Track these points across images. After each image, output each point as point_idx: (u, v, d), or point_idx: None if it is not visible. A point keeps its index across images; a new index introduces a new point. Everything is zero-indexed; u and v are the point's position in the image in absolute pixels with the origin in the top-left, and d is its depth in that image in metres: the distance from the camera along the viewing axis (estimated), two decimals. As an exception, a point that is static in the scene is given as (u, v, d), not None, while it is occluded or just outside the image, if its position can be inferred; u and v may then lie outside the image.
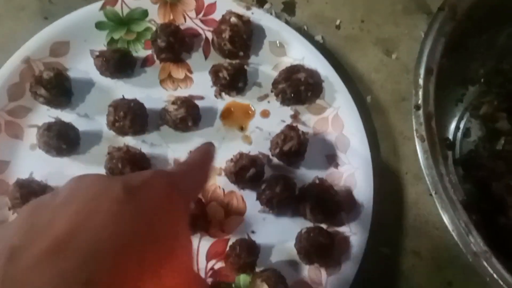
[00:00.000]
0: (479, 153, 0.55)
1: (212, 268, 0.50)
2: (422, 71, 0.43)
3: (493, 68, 0.58)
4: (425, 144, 0.40)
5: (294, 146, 0.50)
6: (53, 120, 0.50)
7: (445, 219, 0.39)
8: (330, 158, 0.54)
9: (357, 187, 0.52)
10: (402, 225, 0.53)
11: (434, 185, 0.39)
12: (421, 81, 0.42)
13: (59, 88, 0.51)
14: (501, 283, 0.37)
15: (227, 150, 0.53)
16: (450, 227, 0.38)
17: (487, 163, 0.54)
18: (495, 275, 0.37)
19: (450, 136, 0.57)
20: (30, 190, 0.47)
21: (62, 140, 0.49)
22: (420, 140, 0.40)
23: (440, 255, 0.53)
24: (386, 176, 0.55)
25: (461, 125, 0.57)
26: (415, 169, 0.55)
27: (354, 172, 0.52)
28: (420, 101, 0.41)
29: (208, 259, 0.50)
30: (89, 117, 0.53)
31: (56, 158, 0.51)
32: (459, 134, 0.57)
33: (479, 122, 0.58)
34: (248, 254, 0.48)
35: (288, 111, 0.55)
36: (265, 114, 0.55)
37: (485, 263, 0.37)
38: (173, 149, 0.53)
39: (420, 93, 0.42)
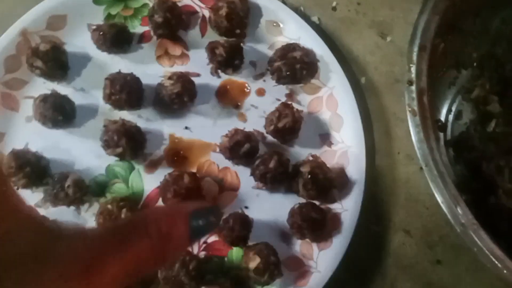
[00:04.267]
0: (471, 135, 0.56)
1: (205, 242, 0.51)
2: (415, 48, 0.43)
3: (486, 52, 0.59)
4: (416, 119, 0.41)
5: (289, 123, 0.51)
6: (49, 92, 0.50)
7: (435, 191, 0.39)
8: (324, 137, 0.55)
9: (349, 165, 0.53)
10: (393, 203, 0.54)
11: (424, 158, 0.40)
12: (414, 57, 0.43)
13: (56, 61, 0.51)
14: (489, 254, 0.38)
15: (222, 127, 0.53)
16: (439, 199, 0.39)
17: (478, 145, 0.55)
18: (482, 246, 0.38)
19: (442, 118, 0.57)
20: (25, 160, 0.47)
21: (58, 111, 0.49)
22: (412, 114, 0.41)
23: (430, 233, 0.54)
24: (379, 155, 0.55)
25: (453, 108, 0.58)
26: (407, 150, 0.56)
27: (347, 151, 0.53)
28: (413, 76, 0.42)
29: (201, 233, 0.51)
30: (85, 91, 0.54)
31: (51, 131, 0.51)
32: (451, 116, 0.58)
33: (471, 104, 0.58)
34: (241, 228, 0.48)
35: (283, 90, 0.56)
36: (260, 92, 0.56)
37: (473, 235, 0.38)
38: (168, 124, 0.54)
39: (413, 68, 0.42)
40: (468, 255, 0.53)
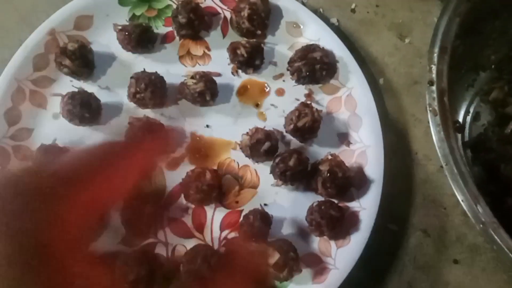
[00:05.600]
0: (488, 136, 0.56)
1: (225, 238, 0.52)
2: (436, 49, 0.44)
3: (505, 55, 0.59)
4: (437, 118, 0.42)
5: (308, 123, 0.52)
6: (76, 90, 0.52)
7: (455, 189, 0.40)
8: (342, 137, 0.55)
9: (368, 165, 0.53)
10: (411, 203, 0.55)
11: (445, 157, 0.41)
12: (435, 58, 0.43)
13: (83, 60, 0.52)
14: (508, 252, 0.38)
15: (243, 126, 0.54)
16: (460, 197, 0.39)
17: (496, 147, 0.55)
18: (502, 245, 0.38)
19: (460, 120, 0.58)
20: (53, 155, 0.49)
21: (85, 108, 0.50)
22: (433, 114, 0.42)
23: (447, 233, 0.54)
24: (397, 155, 0.56)
25: (471, 109, 0.59)
26: (425, 150, 0.56)
27: (365, 150, 0.54)
28: (434, 77, 0.42)
29: (222, 229, 0.52)
30: (110, 89, 0.55)
31: (78, 128, 0.53)
32: (469, 117, 0.58)
33: (489, 106, 0.59)
34: (261, 224, 0.49)
35: (302, 90, 0.57)
36: (280, 92, 0.57)
37: (493, 233, 0.38)
38: (190, 122, 0.55)
39: (434, 69, 0.43)
40: (485, 256, 0.53)
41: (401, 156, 0.56)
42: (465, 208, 0.39)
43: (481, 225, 0.39)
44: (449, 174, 0.40)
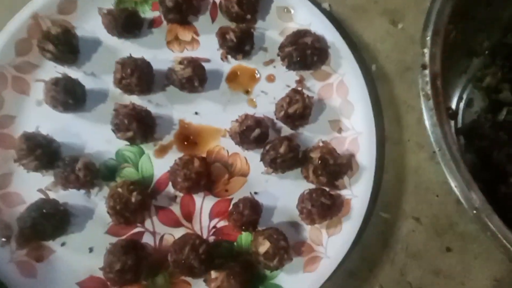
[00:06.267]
0: (481, 123, 0.56)
1: (214, 227, 0.51)
2: (429, 32, 0.43)
3: (498, 41, 0.59)
4: (430, 103, 0.41)
5: (299, 109, 0.51)
6: (60, 76, 0.50)
7: (448, 175, 0.39)
8: (334, 123, 0.54)
9: (359, 152, 0.52)
10: (403, 191, 0.54)
11: (438, 142, 0.40)
12: (428, 41, 0.42)
13: (67, 45, 0.51)
14: (502, 238, 0.38)
15: (232, 113, 0.53)
16: (453, 183, 0.39)
17: (489, 133, 0.55)
18: (496, 231, 0.37)
19: (453, 106, 0.57)
20: (36, 143, 0.48)
21: (69, 95, 0.49)
22: (426, 98, 0.41)
23: (439, 221, 0.53)
24: (388, 143, 0.55)
25: (464, 96, 0.58)
26: (417, 137, 0.55)
27: (357, 137, 0.53)
28: (426, 60, 0.41)
29: (211, 217, 0.51)
30: (95, 76, 0.54)
31: (62, 115, 0.52)
32: (462, 104, 0.58)
33: (482, 93, 0.58)
34: (251, 212, 0.48)
35: (293, 76, 0.56)
36: (270, 78, 0.56)
37: (486, 219, 0.38)
38: (178, 109, 0.54)
39: (427, 52, 0.42)
40: (478, 243, 0.53)
41: (393, 143, 0.55)
42: (458, 194, 0.39)
43: (474, 211, 0.38)
44: (442, 160, 0.39)
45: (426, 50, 0.42)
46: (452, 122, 0.56)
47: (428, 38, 0.43)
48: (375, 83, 0.57)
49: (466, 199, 0.39)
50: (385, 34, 0.59)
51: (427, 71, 0.42)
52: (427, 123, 0.41)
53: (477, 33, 0.58)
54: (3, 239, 0.48)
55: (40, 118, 0.52)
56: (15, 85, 0.52)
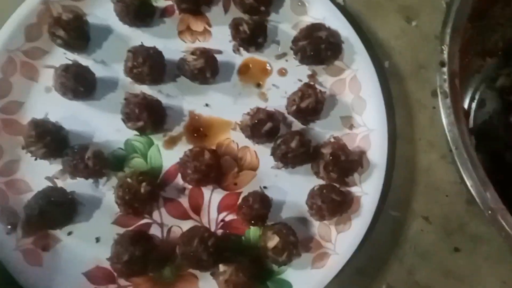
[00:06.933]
0: (493, 124, 0.55)
1: (223, 220, 0.50)
2: (449, 30, 0.42)
3: (513, 42, 0.58)
4: (447, 101, 0.40)
5: (311, 104, 0.50)
6: (70, 62, 0.49)
7: (464, 174, 0.39)
8: (345, 120, 0.54)
9: (371, 149, 0.52)
10: (413, 190, 0.54)
11: (455, 141, 0.39)
12: (447, 39, 0.42)
13: (78, 31, 0.50)
14: (516, 239, 0.37)
15: (243, 105, 0.52)
16: (468, 182, 0.38)
17: (501, 134, 0.54)
18: (510, 231, 0.37)
19: (465, 106, 0.57)
20: (45, 129, 0.47)
21: (80, 82, 0.48)
22: (444, 96, 0.40)
23: (449, 221, 0.53)
24: (400, 141, 0.55)
25: (477, 96, 0.57)
26: (429, 136, 0.55)
27: (368, 134, 0.52)
28: (445, 58, 0.41)
29: (219, 211, 0.51)
30: (105, 64, 0.53)
31: (71, 102, 0.51)
32: (474, 104, 0.57)
33: (495, 94, 0.58)
34: (260, 206, 0.48)
35: (305, 70, 0.55)
36: (282, 72, 0.55)
37: (501, 220, 0.37)
38: (188, 101, 0.53)
39: (446, 50, 0.41)
40: (488, 245, 0.52)
41: (404, 141, 0.55)
42: (473, 193, 0.38)
43: (489, 212, 0.37)
44: (458, 159, 0.39)
45: (445, 47, 0.42)
46: (465, 122, 0.55)
47: (448, 35, 0.43)
48: (387, 80, 0.57)
49: (481, 199, 0.38)
50: (399, 31, 0.58)
51: (445, 69, 0.41)
52: (444, 121, 0.40)
53: (492, 33, 0.57)
54: (9, 227, 0.47)
55: (48, 105, 0.51)
56: (24, 71, 0.51)
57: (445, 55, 0.41)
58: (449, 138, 0.40)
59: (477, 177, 0.38)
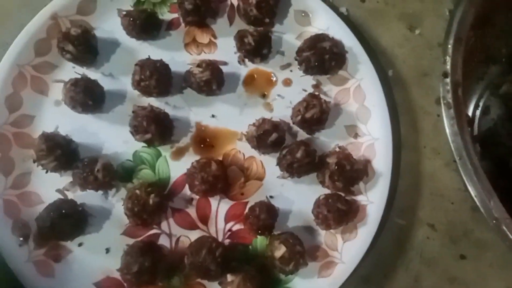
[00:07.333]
0: (498, 131, 0.56)
1: (230, 230, 0.51)
2: (451, 40, 0.43)
3: (516, 48, 0.58)
4: (451, 111, 0.41)
5: (316, 114, 0.51)
6: (79, 76, 0.50)
7: (468, 184, 0.39)
8: (350, 129, 0.54)
9: (376, 158, 0.52)
10: (418, 197, 0.54)
11: (458, 151, 0.40)
12: (450, 49, 0.42)
13: (86, 45, 0.51)
14: (520, 249, 0.38)
15: (249, 116, 0.53)
16: (472, 192, 0.39)
17: (506, 141, 0.55)
18: (515, 241, 0.37)
19: (470, 113, 0.57)
20: (55, 143, 0.48)
21: (88, 95, 0.49)
22: (447, 107, 0.41)
23: (454, 228, 0.53)
24: (405, 149, 0.55)
25: (481, 103, 0.58)
26: (433, 144, 0.55)
27: (373, 143, 0.53)
28: (448, 69, 0.41)
29: (226, 220, 0.51)
30: (113, 77, 0.54)
31: (80, 115, 0.52)
32: (479, 111, 0.57)
33: (499, 100, 0.58)
34: (267, 216, 0.48)
35: (310, 80, 0.55)
36: (287, 82, 0.56)
37: (505, 229, 0.38)
38: (195, 112, 0.54)
39: (449, 60, 0.42)
40: (493, 252, 0.52)
41: (409, 149, 0.55)
42: (477, 203, 0.39)
43: (494, 221, 0.38)
44: (462, 169, 0.39)
45: (448, 58, 0.42)
46: (469, 130, 0.56)
47: (450, 46, 0.43)
48: (392, 89, 0.57)
49: (485, 208, 0.39)
50: (403, 39, 0.59)
51: (448, 80, 0.42)
52: (447, 131, 0.41)
53: (496, 40, 0.58)
54: (21, 239, 0.48)
55: (58, 118, 0.52)
56: (34, 85, 0.52)
57: (448, 66, 0.42)
58: (452, 148, 0.40)
59: (481, 187, 0.39)
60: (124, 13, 0.52)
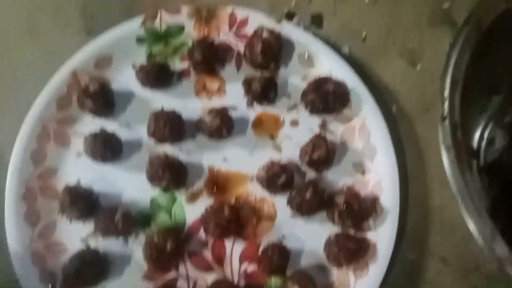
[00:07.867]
0: (504, 161, 0.56)
1: (245, 271, 0.53)
2: (447, 83, 0.45)
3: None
4: (451, 154, 0.42)
5: (322, 155, 0.53)
6: (98, 130, 0.54)
7: (471, 226, 0.40)
8: (357, 166, 0.56)
9: (383, 194, 0.54)
10: (428, 231, 0.55)
11: (460, 192, 0.41)
12: (446, 93, 0.44)
13: (104, 99, 0.55)
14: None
15: (259, 157, 0.55)
16: (475, 233, 0.40)
17: (512, 171, 0.55)
18: (521, 281, 0.38)
19: (475, 145, 0.58)
20: (77, 196, 0.51)
21: (108, 148, 0.53)
22: (447, 150, 0.42)
23: (466, 261, 0.54)
24: (412, 182, 0.56)
25: (486, 134, 0.59)
26: (440, 176, 0.56)
27: (380, 180, 0.54)
28: (446, 112, 0.43)
29: (241, 261, 0.53)
30: (130, 126, 0.57)
31: (100, 165, 0.55)
32: (484, 143, 0.58)
33: (504, 131, 0.59)
34: (279, 258, 0.50)
35: (316, 120, 0.58)
36: (294, 123, 0.58)
37: (510, 270, 0.39)
38: (207, 156, 0.56)
39: (446, 104, 0.44)
40: (504, 284, 0.53)
41: (416, 183, 0.56)
42: (481, 245, 0.40)
43: (498, 262, 0.39)
44: (464, 210, 0.40)
45: (445, 102, 0.44)
46: (475, 162, 0.57)
47: (447, 89, 0.45)
48: (396, 124, 0.59)
49: (490, 249, 0.40)
50: (404, 75, 0.61)
51: (446, 123, 0.43)
52: (448, 173, 0.42)
53: (496, 72, 0.59)
54: (50, 286, 0.51)
55: (80, 169, 0.55)
56: (57, 139, 0.56)
57: (446, 109, 0.43)
58: (454, 190, 0.41)
59: (484, 227, 0.40)
60: (138, 68, 0.56)
